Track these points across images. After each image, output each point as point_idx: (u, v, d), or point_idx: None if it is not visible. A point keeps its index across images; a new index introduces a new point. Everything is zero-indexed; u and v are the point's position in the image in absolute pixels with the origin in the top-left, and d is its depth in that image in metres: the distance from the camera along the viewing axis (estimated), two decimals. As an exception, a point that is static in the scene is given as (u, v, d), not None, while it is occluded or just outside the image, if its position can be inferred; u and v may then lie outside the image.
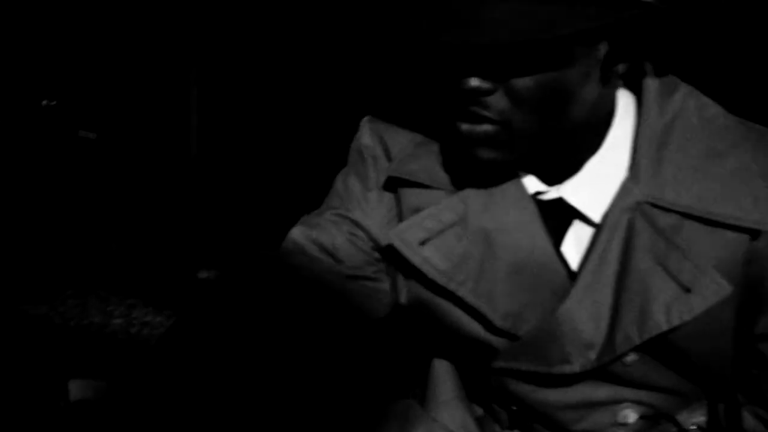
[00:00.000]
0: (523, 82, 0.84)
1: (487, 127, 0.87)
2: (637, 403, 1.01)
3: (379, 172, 1.05)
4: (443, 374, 1.15)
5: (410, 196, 1.01)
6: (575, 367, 0.94)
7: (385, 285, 1.07)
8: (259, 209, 3.35)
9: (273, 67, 3.31)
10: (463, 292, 0.97)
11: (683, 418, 1.03)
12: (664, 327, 0.89)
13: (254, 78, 3.36)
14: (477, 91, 0.84)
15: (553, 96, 0.85)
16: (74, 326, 2.93)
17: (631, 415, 1.01)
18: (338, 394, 1.12)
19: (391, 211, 1.05)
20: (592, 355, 0.93)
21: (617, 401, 1.00)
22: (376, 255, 1.06)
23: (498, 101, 0.85)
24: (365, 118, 1.09)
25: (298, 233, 1.06)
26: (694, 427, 1.04)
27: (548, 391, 1.01)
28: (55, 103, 3.82)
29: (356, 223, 1.05)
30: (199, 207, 3.51)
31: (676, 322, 0.89)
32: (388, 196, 1.05)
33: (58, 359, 2.60)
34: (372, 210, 1.05)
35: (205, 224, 3.50)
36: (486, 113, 0.86)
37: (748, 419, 0.99)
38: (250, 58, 3.36)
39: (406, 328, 1.13)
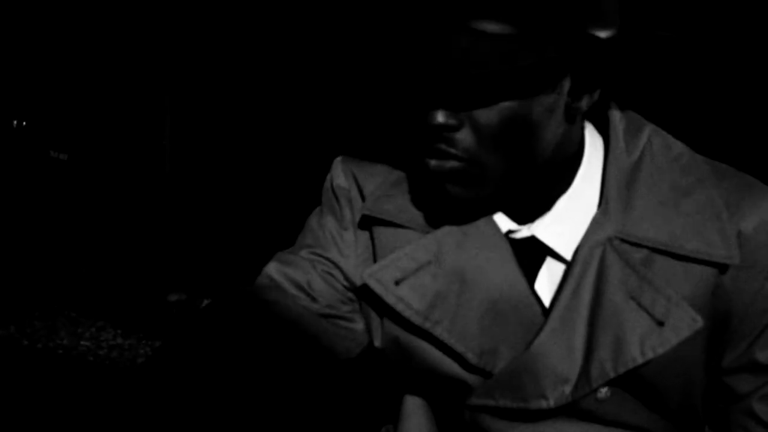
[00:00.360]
0: (486, 117, 0.86)
1: (453, 164, 0.89)
2: None
3: (354, 212, 1.06)
4: (415, 411, 1.14)
5: (384, 235, 1.02)
6: (551, 402, 0.94)
7: (359, 325, 1.08)
8: (230, 234, 3.35)
9: (248, 89, 3.32)
10: (438, 331, 0.97)
11: None
12: (639, 360, 0.90)
13: (228, 102, 3.37)
14: (443, 127, 0.86)
15: (516, 131, 0.87)
16: (42, 348, 2.91)
17: None
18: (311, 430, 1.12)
19: (366, 251, 1.05)
20: (567, 389, 0.93)
21: None
22: (350, 295, 1.07)
23: (464, 138, 0.87)
24: (338, 158, 1.10)
25: (273, 269, 1.06)
26: None
27: (522, 428, 1.01)
28: (26, 123, 3.80)
29: (332, 262, 1.06)
30: (170, 230, 3.50)
31: (650, 355, 0.90)
32: (364, 236, 1.05)
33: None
34: (347, 249, 1.06)
35: (175, 248, 3.49)
36: (452, 150, 0.88)
37: None
38: (223, 82, 3.38)
39: (380, 366, 1.13)
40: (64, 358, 2.83)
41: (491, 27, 0.81)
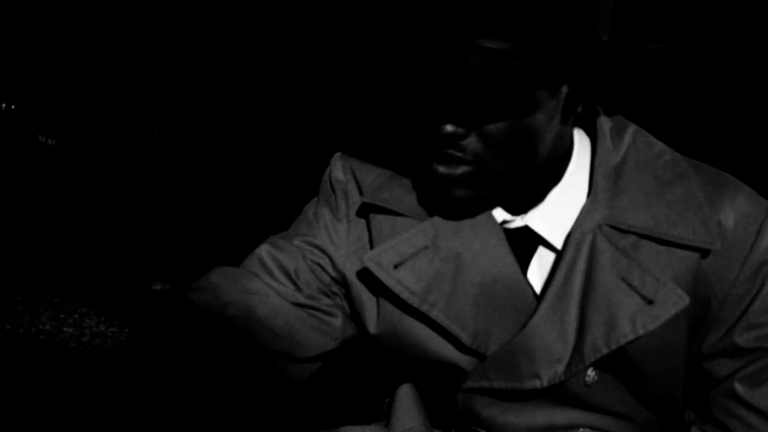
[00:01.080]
0: (494, 127, 0.90)
1: (463, 169, 0.93)
2: (594, 428, 1.05)
3: (349, 206, 1.10)
4: (407, 403, 1.17)
5: (382, 223, 1.06)
6: (544, 381, 0.98)
7: (338, 320, 1.11)
8: (216, 224, 3.35)
9: (238, 78, 3.32)
10: (434, 314, 1.01)
11: None
12: (631, 336, 0.95)
13: (217, 91, 3.37)
14: (452, 135, 0.91)
15: (522, 138, 0.91)
16: (24, 333, 2.91)
17: None
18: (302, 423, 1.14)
19: (359, 241, 1.09)
20: (560, 368, 0.97)
21: (576, 426, 1.05)
22: (335, 288, 1.11)
23: (472, 144, 0.92)
24: (337, 154, 1.14)
25: (264, 251, 1.11)
26: None
27: (513, 413, 1.05)
28: (14, 107, 3.78)
29: (322, 252, 1.10)
30: (155, 218, 3.50)
31: (641, 331, 0.95)
32: (358, 228, 1.10)
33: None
34: (339, 240, 1.10)
35: (160, 237, 3.49)
36: (461, 155, 0.92)
37: None
38: (214, 71, 3.38)
39: (372, 355, 1.15)
40: (46, 343, 2.82)
41: (498, 44, 0.85)
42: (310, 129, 3.07)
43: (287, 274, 1.09)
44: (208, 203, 3.40)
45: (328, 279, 1.10)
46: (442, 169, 0.94)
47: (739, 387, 1.00)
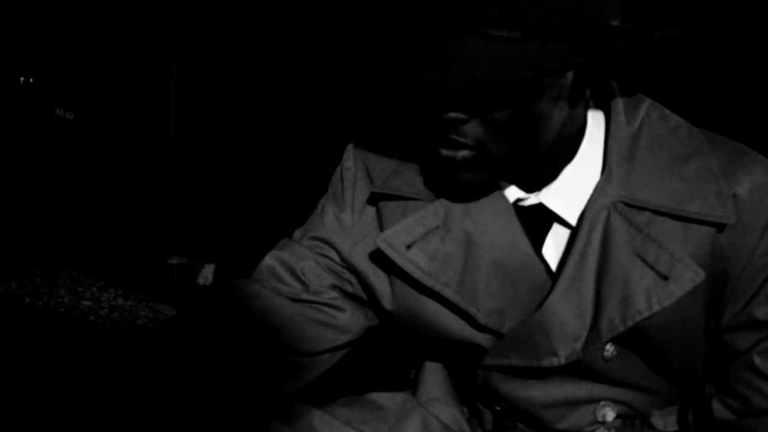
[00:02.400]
0: (496, 113, 0.89)
1: (465, 153, 0.92)
2: (615, 401, 1.06)
3: (356, 194, 1.11)
4: (433, 373, 1.19)
5: (393, 209, 1.07)
6: (561, 359, 0.98)
7: (345, 315, 1.13)
8: (232, 199, 3.36)
9: (255, 54, 3.31)
10: (447, 293, 1.01)
11: (656, 420, 1.09)
12: (646, 313, 0.95)
13: (235, 64, 3.36)
14: (453, 121, 0.89)
15: (525, 123, 0.90)
16: (43, 306, 2.93)
17: (609, 414, 1.06)
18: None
19: (367, 229, 1.10)
20: (578, 345, 0.98)
21: (596, 399, 1.06)
22: (344, 278, 1.12)
23: (474, 128, 0.90)
24: (349, 145, 1.14)
25: (270, 257, 1.14)
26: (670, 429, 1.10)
27: (532, 388, 1.06)
28: (32, 80, 3.79)
29: (328, 243, 1.11)
30: (173, 192, 3.51)
31: (656, 308, 0.95)
32: (367, 216, 1.10)
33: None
34: (345, 230, 1.11)
35: (177, 211, 3.50)
36: (463, 140, 0.91)
37: (717, 408, 1.05)
38: (232, 43, 3.37)
39: (395, 333, 1.16)
40: (65, 316, 2.85)
41: (500, 30, 0.83)
42: (330, 99, 3.06)
43: (293, 274, 1.12)
44: (225, 177, 3.41)
45: (337, 269, 1.12)
46: (444, 152, 0.93)
47: (758, 360, 1.00)
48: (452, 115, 0.89)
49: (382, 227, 1.07)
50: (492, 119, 0.89)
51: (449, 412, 1.17)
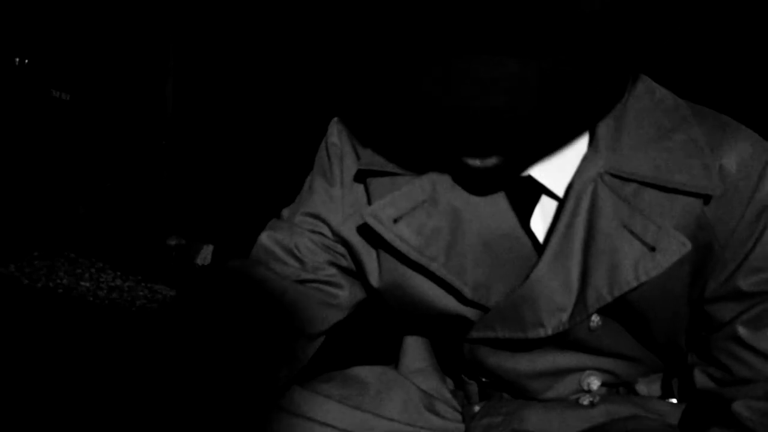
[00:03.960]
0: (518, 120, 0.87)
1: (493, 160, 0.91)
2: (600, 370, 1.07)
3: (343, 170, 1.10)
4: (415, 347, 1.21)
5: (381, 184, 1.06)
6: (548, 330, 0.99)
7: (344, 292, 1.13)
8: (231, 178, 3.35)
9: (252, 35, 3.30)
10: (434, 267, 1.01)
11: (641, 387, 1.11)
12: (633, 283, 0.95)
13: (233, 46, 3.35)
14: (488, 133, 0.87)
15: (546, 121, 0.89)
16: (42, 287, 2.93)
17: (594, 382, 1.07)
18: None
19: (356, 204, 1.09)
20: (564, 316, 0.98)
21: (581, 368, 1.07)
22: (338, 252, 1.12)
23: (503, 136, 0.88)
24: (333, 119, 1.13)
25: (264, 237, 1.14)
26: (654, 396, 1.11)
27: (518, 359, 1.07)
28: (28, 61, 3.78)
29: (319, 218, 1.11)
30: (171, 173, 3.50)
31: (643, 278, 0.95)
32: (355, 192, 1.10)
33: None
34: (335, 205, 1.11)
35: (176, 191, 3.50)
36: (493, 147, 0.90)
37: (700, 377, 1.06)
38: (229, 25, 3.35)
39: (378, 308, 1.17)
40: (63, 297, 2.85)
41: (521, 46, 0.80)
42: (325, 77, 3.05)
43: (289, 252, 1.11)
44: (222, 157, 3.40)
45: (330, 245, 1.11)
46: (472, 162, 0.91)
47: (741, 330, 1.00)
48: (486, 132, 0.86)
49: (370, 202, 1.07)
50: (522, 129, 0.87)
51: (433, 384, 1.18)
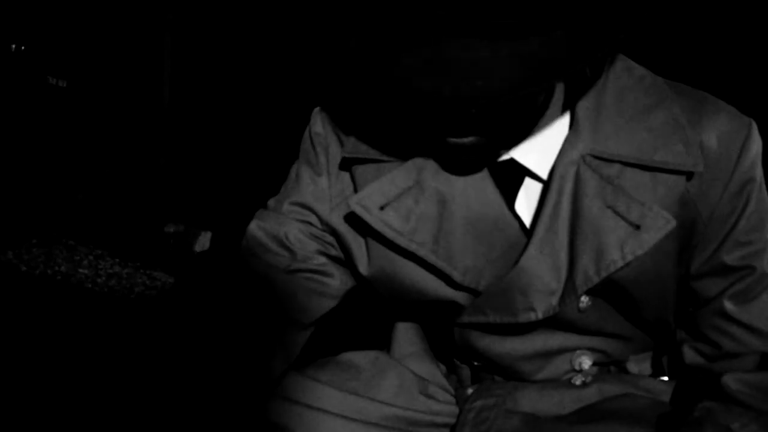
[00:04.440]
0: (504, 106, 0.89)
1: (473, 139, 0.91)
2: (591, 350, 1.08)
3: (329, 159, 1.10)
4: (407, 332, 1.21)
5: (367, 172, 1.06)
6: (539, 313, 0.99)
7: (335, 281, 1.14)
8: (229, 164, 3.35)
9: (251, 20, 3.29)
10: (423, 252, 1.02)
11: (631, 365, 1.12)
12: (620, 263, 0.96)
13: (231, 31, 3.34)
14: (465, 115, 0.89)
15: (525, 104, 0.92)
16: (40, 274, 2.93)
17: (585, 362, 1.09)
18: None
19: (343, 194, 1.10)
20: (554, 300, 0.99)
21: (572, 349, 1.08)
22: (326, 242, 1.12)
23: (481, 116, 0.89)
24: (316, 109, 1.13)
25: (253, 227, 1.14)
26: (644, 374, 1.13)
27: (509, 342, 1.07)
28: (24, 48, 3.76)
29: (307, 209, 1.12)
30: (168, 160, 3.50)
31: (629, 257, 0.96)
32: (341, 181, 1.10)
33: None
34: (323, 194, 1.11)
35: (174, 178, 3.49)
36: (471, 128, 0.90)
37: (689, 353, 1.07)
38: (227, 9, 3.34)
39: (367, 295, 1.17)
40: (62, 285, 2.85)
41: (509, 35, 0.80)
42: (324, 63, 3.04)
43: (279, 242, 1.12)
44: (220, 144, 3.40)
45: (318, 234, 1.12)
46: (452, 140, 0.92)
47: (728, 304, 1.02)
48: (462, 113, 0.88)
49: (356, 190, 1.07)
50: (500, 110, 0.89)
51: (425, 368, 1.18)
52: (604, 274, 0.97)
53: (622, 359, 1.11)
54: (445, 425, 1.13)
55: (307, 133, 1.13)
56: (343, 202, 1.08)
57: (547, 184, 0.99)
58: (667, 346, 1.12)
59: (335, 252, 1.13)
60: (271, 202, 1.16)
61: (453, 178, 1.01)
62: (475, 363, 1.13)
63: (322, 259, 1.13)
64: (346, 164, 1.09)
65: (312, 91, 3.03)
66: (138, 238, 3.25)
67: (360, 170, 1.07)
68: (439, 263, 1.02)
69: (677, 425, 0.99)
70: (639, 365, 1.12)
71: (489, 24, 0.78)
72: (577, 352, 1.08)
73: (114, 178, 3.55)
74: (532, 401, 1.08)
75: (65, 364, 2.18)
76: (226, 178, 3.33)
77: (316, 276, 1.13)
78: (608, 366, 1.11)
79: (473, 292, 1.03)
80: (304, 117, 1.18)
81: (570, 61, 0.81)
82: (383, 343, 1.25)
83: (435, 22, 0.79)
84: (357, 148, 1.06)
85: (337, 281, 1.14)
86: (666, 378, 1.13)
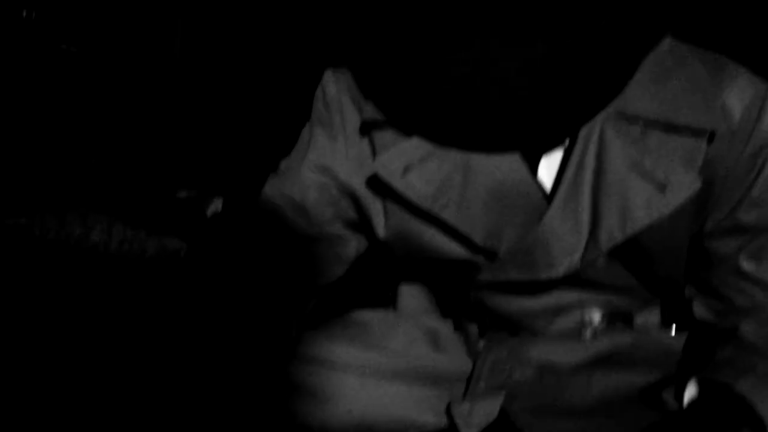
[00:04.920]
0: None
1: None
2: (601, 305, 1.10)
3: (345, 121, 1.10)
4: (412, 291, 1.22)
5: (385, 138, 1.06)
6: (560, 270, 1.01)
7: (350, 246, 1.15)
8: (241, 131, 3.35)
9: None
10: (445, 215, 1.02)
11: (639, 319, 1.13)
12: (646, 222, 0.98)
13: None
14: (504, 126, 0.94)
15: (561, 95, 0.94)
16: (53, 239, 2.95)
17: (595, 316, 1.10)
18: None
19: (360, 156, 1.09)
20: (576, 257, 1.00)
21: (584, 304, 1.09)
22: (343, 205, 1.12)
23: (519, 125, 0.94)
24: (327, 70, 1.13)
25: (269, 191, 1.13)
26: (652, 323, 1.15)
27: (523, 300, 1.08)
28: (35, 15, 3.76)
29: (325, 170, 1.11)
30: (180, 126, 3.50)
31: (655, 216, 0.97)
32: (358, 143, 1.10)
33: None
34: (339, 156, 1.10)
35: (185, 144, 3.50)
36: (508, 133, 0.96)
37: (699, 309, 1.09)
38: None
39: (380, 257, 1.18)
40: (75, 249, 2.87)
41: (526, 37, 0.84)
42: (336, 26, 3.02)
43: (295, 207, 1.11)
44: (233, 108, 3.39)
45: (335, 198, 1.12)
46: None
47: (744, 263, 1.03)
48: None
49: (375, 153, 1.07)
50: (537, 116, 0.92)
51: (434, 323, 1.19)
52: (629, 233, 0.98)
53: (631, 313, 1.12)
54: (458, 378, 1.13)
55: (319, 95, 1.12)
56: (361, 165, 1.08)
57: (570, 145, 1.00)
58: (674, 302, 1.14)
59: (351, 215, 1.13)
60: (283, 165, 1.16)
61: (476, 143, 1.01)
62: (485, 320, 1.14)
63: (338, 225, 1.13)
64: (366, 128, 1.08)
65: (325, 53, 3.01)
66: (150, 204, 3.26)
67: (379, 135, 1.06)
68: (462, 227, 1.03)
69: (697, 371, 1.01)
70: (647, 318, 1.13)
71: (527, 24, 0.82)
72: (588, 307, 1.09)
73: (126, 144, 3.56)
74: (544, 353, 1.10)
75: (77, 327, 2.19)
76: (238, 143, 3.33)
77: (331, 242, 1.13)
78: (616, 319, 1.12)
79: (492, 254, 1.04)
80: (316, 79, 1.17)
81: (611, 56, 0.85)
82: (388, 303, 1.26)
83: (479, 20, 0.83)
84: (377, 112, 1.06)
85: (353, 248, 1.15)
86: (673, 333, 1.15)
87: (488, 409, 1.08)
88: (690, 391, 1.03)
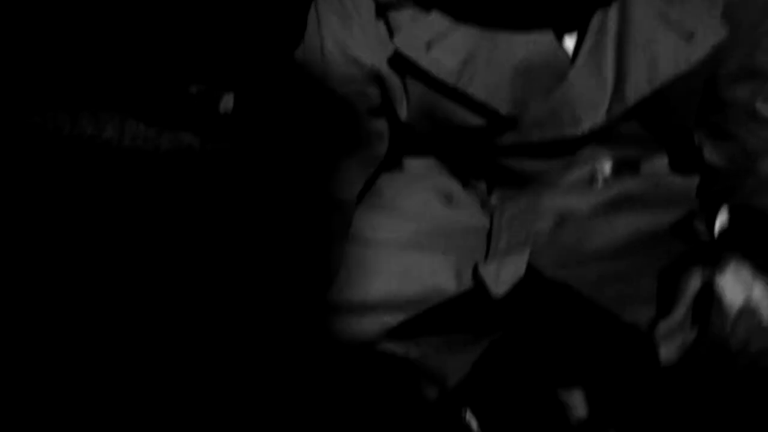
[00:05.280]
0: None
1: None
2: (612, 155, 1.10)
3: (357, 4, 1.06)
4: (415, 159, 1.21)
5: (403, 18, 1.03)
6: (585, 125, 1.01)
7: (382, 146, 1.16)
8: (252, 25, 3.30)
9: None
10: (472, 90, 1.01)
11: (646, 166, 1.13)
12: (673, 72, 0.97)
13: None
14: None
15: None
16: (67, 135, 2.96)
17: (606, 166, 1.10)
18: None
19: (378, 38, 1.06)
20: (601, 111, 1.00)
21: (596, 157, 1.09)
22: (370, 90, 1.10)
23: None
24: None
25: (301, 82, 1.12)
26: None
27: (540, 159, 1.09)
28: None
29: (346, 54, 1.07)
30: (191, 20, 3.45)
31: (683, 66, 0.97)
32: (376, 26, 1.06)
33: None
34: (356, 41, 1.07)
35: (196, 39, 3.46)
36: None
37: (709, 153, 1.10)
38: None
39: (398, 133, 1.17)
40: (88, 146, 2.87)
41: None
42: None
43: (334, 99, 1.10)
44: (243, 4, 3.33)
45: (361, 86, 1.10)
46: None
47: (760, 106, 1.03)
48: None
49: (392, 35, 1.03)
50: None
51: (444, 181, 1.19)
52: (656, 85, 0.97)
53: (638, 161, 1.12)
54: (476, 232, 1.14)
55: None
56: (380, 46, 1.05)
57: (591, 10, 0.98)
58: (682, 148, 1.14)
59: (376, 102, 1.11)
60: (299, 54, 1.12)
61: (500, 15, 0.99)
62: (494, 177, 1.14)
63: (376, 123, 1.13)
64: (381, 10, 1.04)
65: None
66: (163, 100, 3.24)
67: (395, 15, 1.03)
68: (487, 99, 1.01)
69: (718, 202, 1.02)
70: (655, 165, 1.13)
71: None
72: (600, 159, 1.10)
73: (137, 39, 3.52)
74: (560, 202, 1.10)
75: (92, 227, 2.22)
76: (249, 37, 3.28)
77: (370, 135, 1.13)
78: (624, 168, 1.13)
79: (515, 121, 1.03)
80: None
81: None
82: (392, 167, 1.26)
83: None
84: None
85: (384, 147, 1.15)
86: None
87: (516, 265, 1.08)
88: (721, 219, 1.03)
